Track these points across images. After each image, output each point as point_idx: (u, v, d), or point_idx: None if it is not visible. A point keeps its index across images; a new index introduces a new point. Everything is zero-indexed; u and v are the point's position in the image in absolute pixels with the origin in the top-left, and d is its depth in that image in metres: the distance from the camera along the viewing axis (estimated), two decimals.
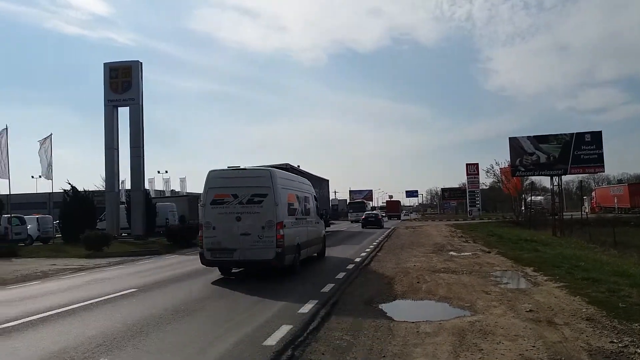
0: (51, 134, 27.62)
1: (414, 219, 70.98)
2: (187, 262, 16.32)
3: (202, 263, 11.52)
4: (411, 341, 5.61)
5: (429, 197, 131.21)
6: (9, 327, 6.89)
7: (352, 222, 53.16)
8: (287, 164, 23.57)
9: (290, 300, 8.33)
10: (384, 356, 5.12)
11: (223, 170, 11.92)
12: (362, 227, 39.24)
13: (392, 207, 71.46)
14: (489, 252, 16.21)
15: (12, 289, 11.45)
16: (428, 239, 24.24)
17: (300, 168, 28.30)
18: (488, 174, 55.88)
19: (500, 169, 50.74)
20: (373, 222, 40.51)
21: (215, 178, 11.47)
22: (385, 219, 54.76)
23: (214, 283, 11.08)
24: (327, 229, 24.26)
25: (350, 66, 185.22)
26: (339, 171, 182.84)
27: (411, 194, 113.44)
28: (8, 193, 25.02)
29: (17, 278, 13.34)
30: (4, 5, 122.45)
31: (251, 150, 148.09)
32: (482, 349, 5.22)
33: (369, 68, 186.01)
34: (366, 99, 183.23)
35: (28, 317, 7.51)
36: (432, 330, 6.08)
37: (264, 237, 10.82)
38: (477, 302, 7.76)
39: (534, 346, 5.29)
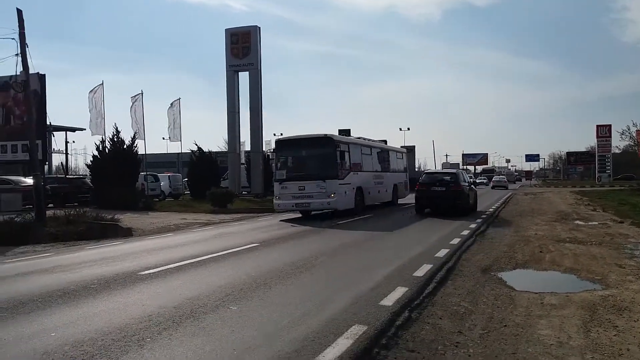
0: (179, 98, 29.86)
1: (534, 185, 67.04)
2: (302, 220, 16.96)
3: None
4: (535, 312, 5.37)
5: (551, 161, 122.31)
6: (150, 273, 7.72)
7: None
8: None
9: (404, 262, 8.34)
10: (506, 325, 4.96)
11: None
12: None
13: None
14: (622, 222, 14.82)
15: (151, 239, 12.78)
16: (550, 206, 22.74)
17: None
18: (623, 136, 50.55)
19: (637, 130, 45.75)
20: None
21: None
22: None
23: (328, 241, 11.43)
24: None
25: (466, 20, 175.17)
26: (450, 134, 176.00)
27: (531, 158, 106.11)
28: (144, 153, 27.60)
29: (153, 230, 14.85)
30: None
31: (361, 111, 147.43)
32: (617, 326, 4.85)
33: (487, 21, 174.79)
34: (483, 52, 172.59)
35: (166, 265, 8.36)
36: (558, 302, 5.75)
37: None
38: (610, 276, 7.19)
39: None
